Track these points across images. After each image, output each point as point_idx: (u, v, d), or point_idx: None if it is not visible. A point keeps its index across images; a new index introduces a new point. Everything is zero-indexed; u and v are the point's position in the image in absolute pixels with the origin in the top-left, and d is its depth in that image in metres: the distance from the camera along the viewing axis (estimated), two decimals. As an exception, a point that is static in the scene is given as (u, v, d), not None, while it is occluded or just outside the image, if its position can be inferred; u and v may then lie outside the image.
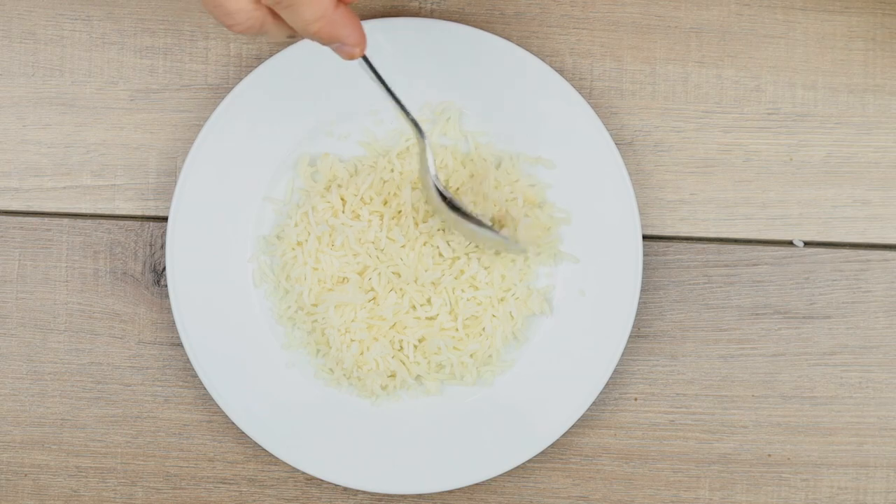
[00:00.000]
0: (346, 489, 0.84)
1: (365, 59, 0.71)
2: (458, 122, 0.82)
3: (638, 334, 0.84)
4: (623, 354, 0.83)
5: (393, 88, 0.73)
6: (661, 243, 0.84)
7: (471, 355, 0.82)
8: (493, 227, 0.80)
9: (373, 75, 0.72)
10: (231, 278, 0.82)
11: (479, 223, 0.78)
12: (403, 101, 0.74)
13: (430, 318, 0.82)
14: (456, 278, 0.81)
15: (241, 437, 0.84)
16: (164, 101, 0.84)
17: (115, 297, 0.84)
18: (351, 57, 0.68)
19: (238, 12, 0.64)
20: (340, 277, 0.81)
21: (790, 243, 0.84)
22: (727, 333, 0.84)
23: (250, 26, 0.65)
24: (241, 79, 0.84)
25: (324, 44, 0.66)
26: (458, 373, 0.82)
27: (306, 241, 0.81)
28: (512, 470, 0.84)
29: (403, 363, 0.82)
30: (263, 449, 0.83)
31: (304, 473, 0.84)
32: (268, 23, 0.65)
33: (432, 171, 0.77)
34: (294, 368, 0.83)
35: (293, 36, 0.66)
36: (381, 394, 0.82)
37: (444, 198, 0.77)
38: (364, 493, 0.84)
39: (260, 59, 0.84)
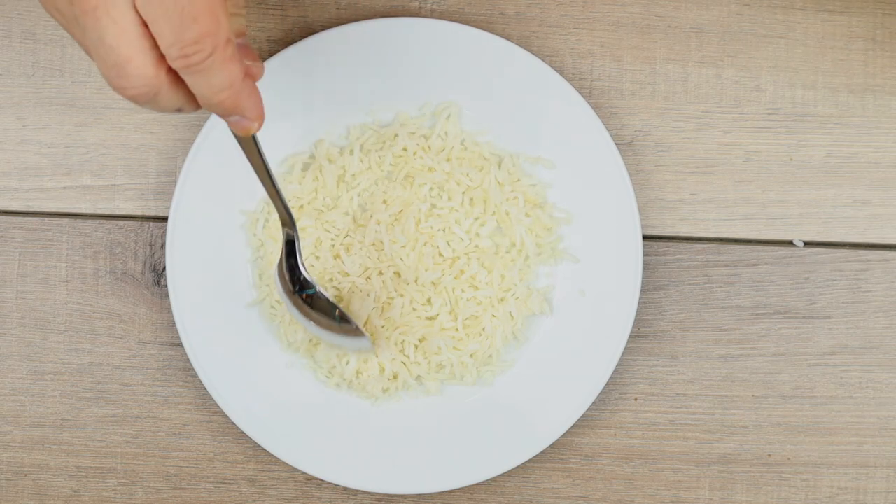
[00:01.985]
0: (346, 489, 0.84)
1: (254, 137, 0.68)
2: (458, 122, 0.82)
3: (638, 334, 0.84)
4: (623, 354, 0.83)
5: (270, 179, 0.72)
6: (661, 243, 0.84)
7: (471, 355, 0.82)
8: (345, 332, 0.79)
9: (257, 156, 0.70)
10: (231, 278, 0.82)
11: (325, 326, 0.79)
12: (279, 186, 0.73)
13: (430, 318, 0.82)
14: (456, 278, 0.81)
15: (241, 437, 0.84)
16: (164, 101, 0.84)
17: (115, 297, 0.84)
18: (247, 132, 0.65)
19: (137, 77, 0.59)
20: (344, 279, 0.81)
21: (790, 243, 0.84)
22: (727, 333, 0.84)
23: (144, 93, 0.60)
24: (241, 79, 0.83)
25: (223, 115, 0.63)
26: (458, 373, 0.82)
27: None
28: (512, 470, 0.84)
29: (404, 364, 0.82)
30: (263, 449, 0.83)
31: (304, 473, 0.84)
32: (163, 91, 0.60)
33: (300, 262, 0.77)
34: (294, 368, 0.83)
35: (180, 110, 0.62)
36: (382, 396, 0.82)
37: (295, 289, 0.78)
38: (364, 493, 0.84)
39: (260, 59, 0.84)
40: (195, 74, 0.59)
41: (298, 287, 0.78)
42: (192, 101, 0.62)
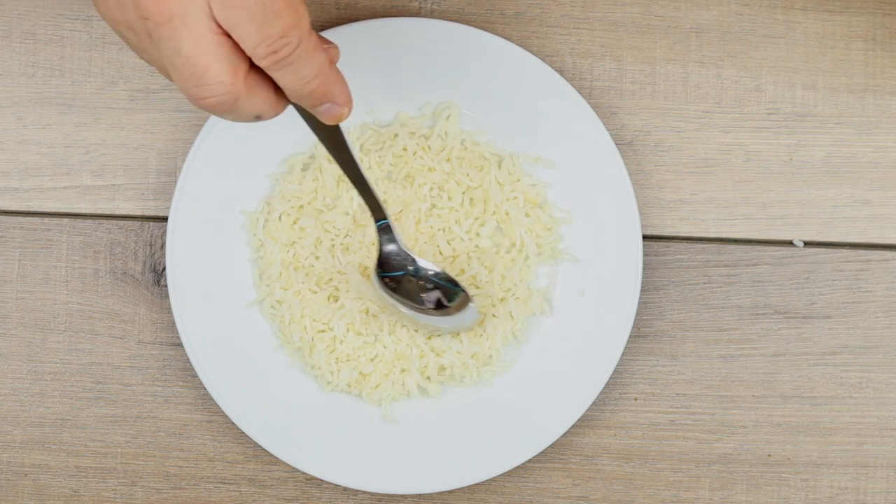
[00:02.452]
0: (346, 489, 0.84)
1: (338, 127, 0.68)
2: (458, 122, 0.82)
3: (638, 334, 0.84)
4: (623, 354, 0.83)
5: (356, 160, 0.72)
6: (661, 243, 0.84)
7: (472, 356, 0.82)
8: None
9: (344, 146, 0.69)
10: (231, 278, 0.82)
11: (415, 310, 0.79)
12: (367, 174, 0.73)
13: (431, 318, 0.82)
14: (456, 278, 0.81)
15: (241, 437, 0.84)
16: (164, 101, 0.84)
17: (115, 297, 0.84)
18: (339, 118, 0.64)
19: (216, 85, 0.58)
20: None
21: (790, 243, 0.84)
22: (727, 333, 0.84)
23: (224, 101, 0.59)
24: (241, 79, 0.83)
25: (314, 106, 0.63)
26: (459, 373, 0.82)
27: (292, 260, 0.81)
28: (512, 470, 0.84)
29: (404, 385, 0.82)
30: (263, 449, 0.83)
31: (304, 473, 0.84)
32: (241, 97, 0.59)
33: (402, 244, 0.77)
34: (294, 368, 0.83)
35: (259, 117, 0.62)
36: (383, 400, 0.82)
37: (385, 283, 0.78)
38: (364, 493, 0.84)
39: (260, 59, 0.84)
40: (285, 68, 0.59)
41: (381, 270, 0.78)
42: (272, 105, 0.62)
